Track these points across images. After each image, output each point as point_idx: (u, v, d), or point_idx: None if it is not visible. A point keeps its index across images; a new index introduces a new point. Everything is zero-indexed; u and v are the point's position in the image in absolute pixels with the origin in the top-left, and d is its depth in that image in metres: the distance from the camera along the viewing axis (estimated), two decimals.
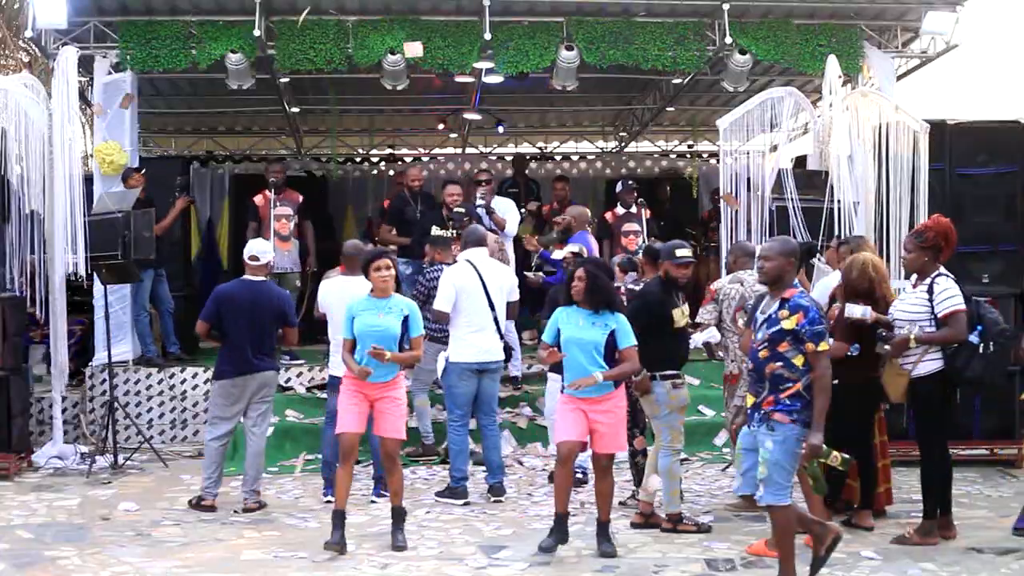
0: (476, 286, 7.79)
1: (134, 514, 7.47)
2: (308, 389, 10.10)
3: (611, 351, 6.30)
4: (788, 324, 5.34)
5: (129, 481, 8.61)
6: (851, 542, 6.50)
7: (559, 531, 6.32)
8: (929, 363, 6.42)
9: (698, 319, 7.49)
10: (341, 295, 7.46)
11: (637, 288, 7.57)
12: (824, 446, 5.26)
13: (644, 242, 10.26)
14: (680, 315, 6.93)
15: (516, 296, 8.22)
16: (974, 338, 6.35)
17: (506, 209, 10.42)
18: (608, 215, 11.48)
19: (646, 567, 6.09)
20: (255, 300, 7.60)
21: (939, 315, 6.37)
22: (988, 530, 6.86)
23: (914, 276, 6.65)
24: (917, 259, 6.56)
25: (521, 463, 9.06)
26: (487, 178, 11.24)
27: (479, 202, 10.24)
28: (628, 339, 6.31)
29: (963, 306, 6.38)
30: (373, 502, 7.63)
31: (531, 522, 7.15)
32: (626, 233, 10.97)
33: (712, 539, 6.64)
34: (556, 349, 6.37)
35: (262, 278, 7.73)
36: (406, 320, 6.60)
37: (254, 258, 7.71)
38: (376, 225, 12.15)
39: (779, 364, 5.36)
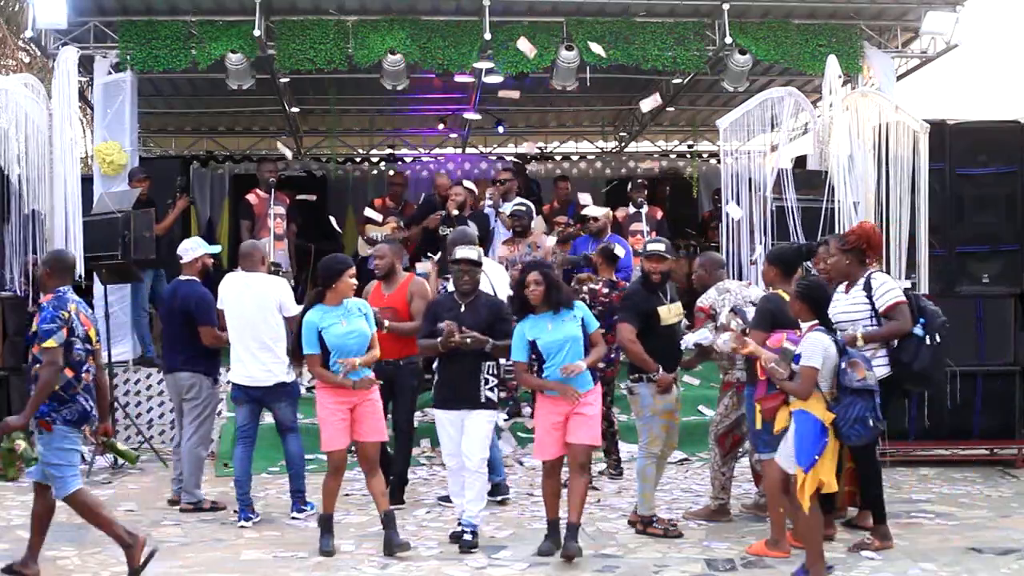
0: (486, 285, 7.78)
1: (134, 514, 7.47)
2: (308, 389, 10.08)
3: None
4: (34, 327, 5.80)
5: (129, 481, 8.62)
6: (851, 542, 6.50)
7: (553, 536, 6.33)
8: (878, 368, 6.29)
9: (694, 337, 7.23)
10: (238, 291, 7.45)
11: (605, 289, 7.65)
12: (19, 431, 5.63)
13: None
14: (667, 312, 6.84)
15: (508, 293, 8.26)
16: (918, 330, 6.38)
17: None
18: (619, 214, 11.49)
19: (646, 567, 6.09)
20: (171, 300, 7.72)
21: (881, 310, 6.41)
22: (988, 530, 6.87)
23: (844, 284, 6.69)
24: (839, 262, 6.64)
25: (521, 463, 9.06)
26: (506, 177, 11.23)
27: (488, 202, 10.24)
28: (594, 323, 6.41)
29: (904, 298, 6.44)
30: (295, 518, 7.37)
31: (531, 522, 7.15)
32: (633, 233, 10.98)
33: (712, 539, 6.64)
34: (530, 367, 6.34)
35: (186, 277, 7.71)
36: (365, 318, 6.56)
37: (179, 256, 7.78)
38: (362, 224, 12.11)
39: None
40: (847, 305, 6.54)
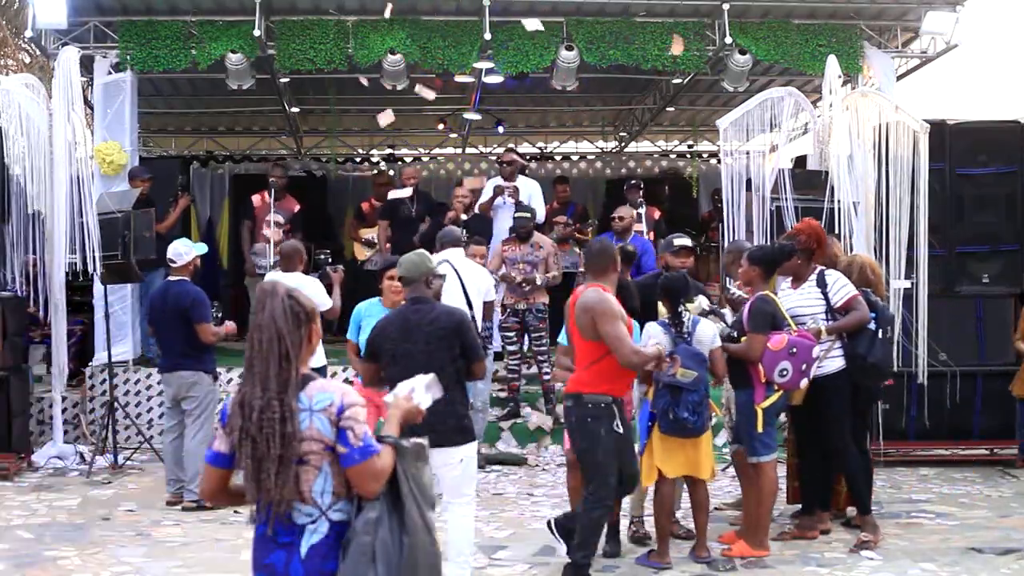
0: (455, 287, 7.75)
1: (134, 514, 7.48)
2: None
3: None
4: None
5: (129, 481, 8.62)
6: (852, 542, 6.50)
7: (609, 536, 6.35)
8: (833, 360, 6.48)
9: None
10: None
11: None
12: None
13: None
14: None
15: (492, 296, 8.27)
16: (871, 325, 6.52)
17: (532, 193, 10.42)
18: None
19: (646, 567, 6.09)
20: (165, 300, 7.82)
21: (839, 304, 6.52)
22: (988, 530, 6.87)
23: (789, 279, 6.79)
24: (791, 261, 6.70)
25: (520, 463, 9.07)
26: (509, 159, 11.03)
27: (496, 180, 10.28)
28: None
29: (856, 292, 6.57)
30: None
31: (531, 522, 7.15)
32: None
33: (712, 539, 6.63)
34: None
35: (178, 278, 7.81)
36: None
37: (171, 260, 7.88)
38: (354, 228, 12.06)
39: None
40: (801, 300, 6.63)
